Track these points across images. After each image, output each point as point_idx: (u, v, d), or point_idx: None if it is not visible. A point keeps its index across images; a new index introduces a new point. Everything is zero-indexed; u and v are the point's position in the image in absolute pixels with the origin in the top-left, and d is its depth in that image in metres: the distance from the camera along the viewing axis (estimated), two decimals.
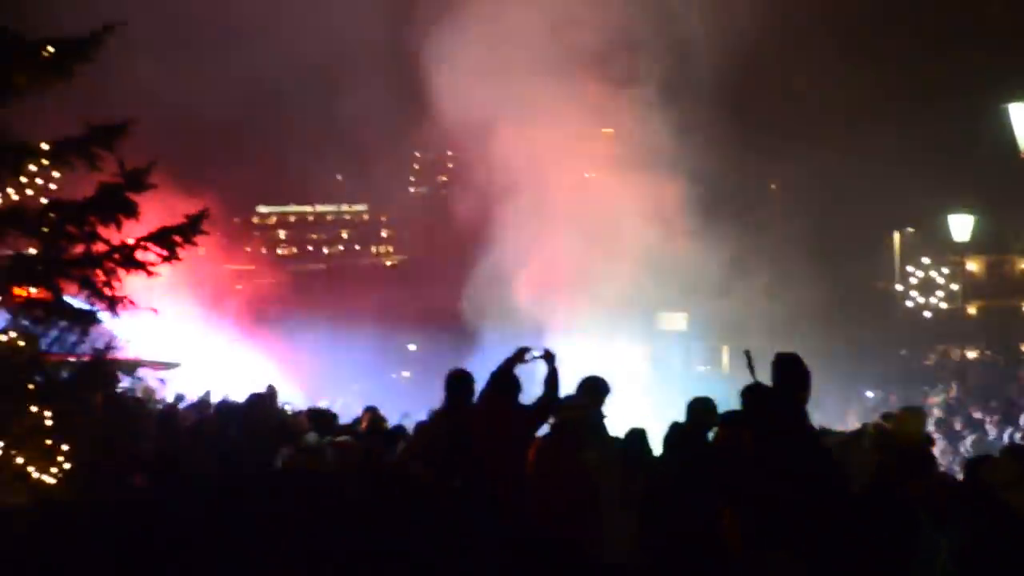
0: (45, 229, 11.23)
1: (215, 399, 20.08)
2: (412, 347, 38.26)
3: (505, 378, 11.61)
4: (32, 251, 11.40)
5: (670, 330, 48.20)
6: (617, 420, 12.14)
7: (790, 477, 8.87)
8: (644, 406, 22.51)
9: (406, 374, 38.99)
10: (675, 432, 11.07)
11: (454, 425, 11.51)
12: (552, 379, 11.72)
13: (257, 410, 15.82)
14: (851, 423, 24.60)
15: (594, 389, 11.88)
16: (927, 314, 56.83)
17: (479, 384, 11.70)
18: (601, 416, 11.82)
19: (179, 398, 21.22)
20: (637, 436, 11.59)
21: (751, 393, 9.77)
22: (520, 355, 11.82)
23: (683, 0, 39.04)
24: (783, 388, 9.25)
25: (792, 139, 47.15)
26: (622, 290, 39.39)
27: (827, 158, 47.56)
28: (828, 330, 43.24)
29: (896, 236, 55.73)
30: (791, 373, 9.28)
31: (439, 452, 11.54)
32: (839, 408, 30.07)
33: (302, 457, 13.13)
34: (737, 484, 9.39)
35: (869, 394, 34.60)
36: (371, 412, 16.94)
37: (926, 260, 56.86)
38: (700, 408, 11.10)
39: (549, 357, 11.87)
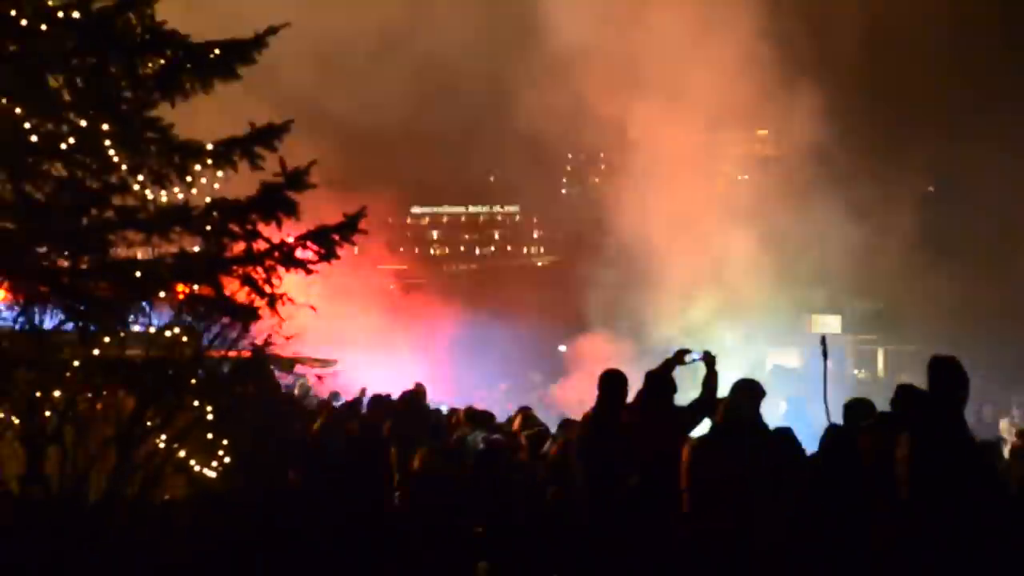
0: (208, 227, 11.45)
1: (368, 397, 20.32)
2: (562, 348, 38.30)
3: (661, 380, 11.63)
4: (195, 249, 11.63)
5: (824, 332, 47.61)
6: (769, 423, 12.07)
7: (949, 482, 8.74)
8: (795, 410, 22.30)
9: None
10: (831, 434, 10.94)
11: (606, 424, 11.55)
12: (710, 381, 11.74)
13: (410, 408, 15.98)
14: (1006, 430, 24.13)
15: (749, 391, 11.79)
16: None
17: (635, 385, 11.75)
18: (756, 418, 11.72)
19: (334, 396, 21.51)
20: (783, 436, 11.48)
21: (905, 395, 9.64)
22: (680, 356, 11.88)
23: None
24: (939, 392, 9.07)
25: (947, 141, 46.36)
26: (775, 292, 39.05)
27: (985, 159, 46.62)
28: (989, 334, 42.37)
29: None
30: (949, 377, 9.10)
31: (591, 451, 11.58)
32: (997, 414, 29.43)
33: (439, 461, 13.28)
34: (889, 487, 9.26)
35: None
36: (524, 412, 17.02)
37: None
38: (857, 410, 10.94)
39: (709, 359, 11.89)
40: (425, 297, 38.11)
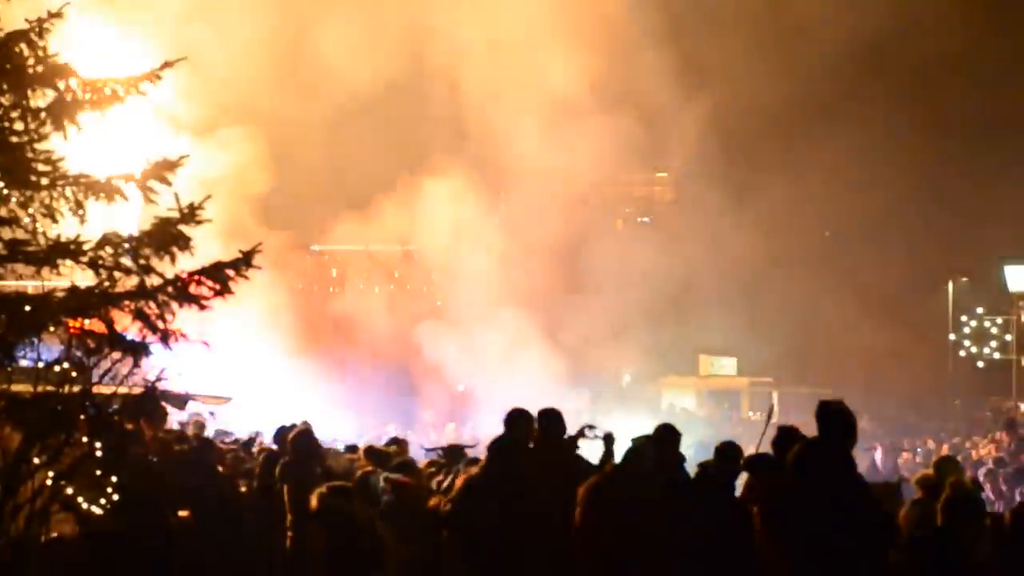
0: (100, 261, 11.33)
1: (261, 435, 20.15)
2: (461, 388, 38.24)
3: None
4: (87, 283, 11.49)
5: (720, 375, 48.15)
6: None
7: (836, 523, 8.84)
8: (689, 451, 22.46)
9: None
10: (702, 474, 11.18)
11: (512, 463, 11.69)
12: (607, 460, 12.02)
13: (301, 447, 15.80)
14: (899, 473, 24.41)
15: (662, 435, 11.95)
16: (980, 364, 56.33)
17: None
18: (664, 465, 11.84)
19: (221, 434, 21.32)
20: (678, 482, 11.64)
21: (785, 437, 9.88)
22: (581, 432, 12.21)
23: (738, 44, 39.11)
24: (828, 437, 9.19)
25: (845, 188, 47.08)
26: (672, 334, 39.38)
27: (880, 207, 47.40)
28: (883, 377, 43.04)
29: (950, 285, 55.35)
30: (836, 422, 9.22)
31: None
32: (889, 458, 29.73)
33: (336, 500, 13.19)
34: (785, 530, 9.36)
35: (919, 447, 34.17)
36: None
37: (980, 310, 56.36)
38: (727, 453, 11.14)
39: (609, 439, 12.31)
40: (323, 333, 37.90)
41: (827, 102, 46.81)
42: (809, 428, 9.74)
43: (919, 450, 31.93)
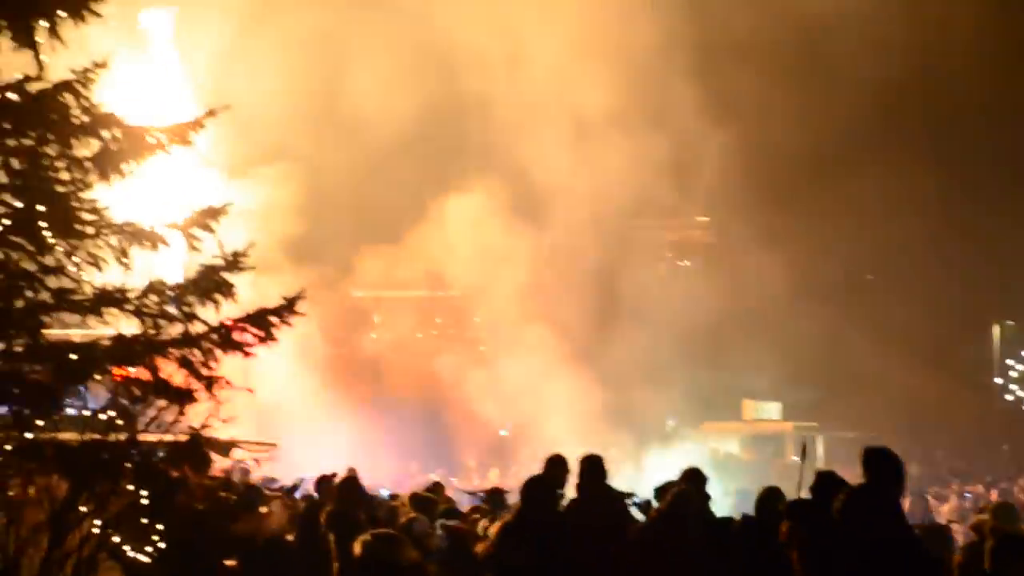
0: (145, 309, 11.38)
1: (305, 481, 20.09)
2: (504, 432, 38.16)
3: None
4: (132, 330, 11.53)
5: (764, 419, 47.84)
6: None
7: (884, 571, 8.73)
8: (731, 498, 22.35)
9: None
10: (746, 527, 11.08)
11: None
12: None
13: (346, 494, 15.76)
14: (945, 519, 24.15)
15: (696, 478, 11.97)
16: None
17: None
18: (704, 508, 11.85)
19: (268, 481, 21.26)
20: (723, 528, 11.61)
21: (824, 482, 9.77)
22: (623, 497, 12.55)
23: (774, 87, 39.08)
24: (874, 483, 9.03)
25: (887, 232, 46.86)
26: (715, 379, 39.23)
27: (923, 250, 47.09)
28: (923, 423, 42.67)
29: (996, 329, 54.78)
30: (882, 468, 9.06)
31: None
32: (918, 505, 29.41)
33: (379, 545, 13.12)
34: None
35: (968, 492, 33.81)
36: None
37: None
38: (769, 500, 10.98)
39: (645, 508, 12.66)
40: (366, 379, 37.90)
41: (868, 145, 46.64)
42: (855, 473, 9.63)
43: (968, 495, 31.56)
